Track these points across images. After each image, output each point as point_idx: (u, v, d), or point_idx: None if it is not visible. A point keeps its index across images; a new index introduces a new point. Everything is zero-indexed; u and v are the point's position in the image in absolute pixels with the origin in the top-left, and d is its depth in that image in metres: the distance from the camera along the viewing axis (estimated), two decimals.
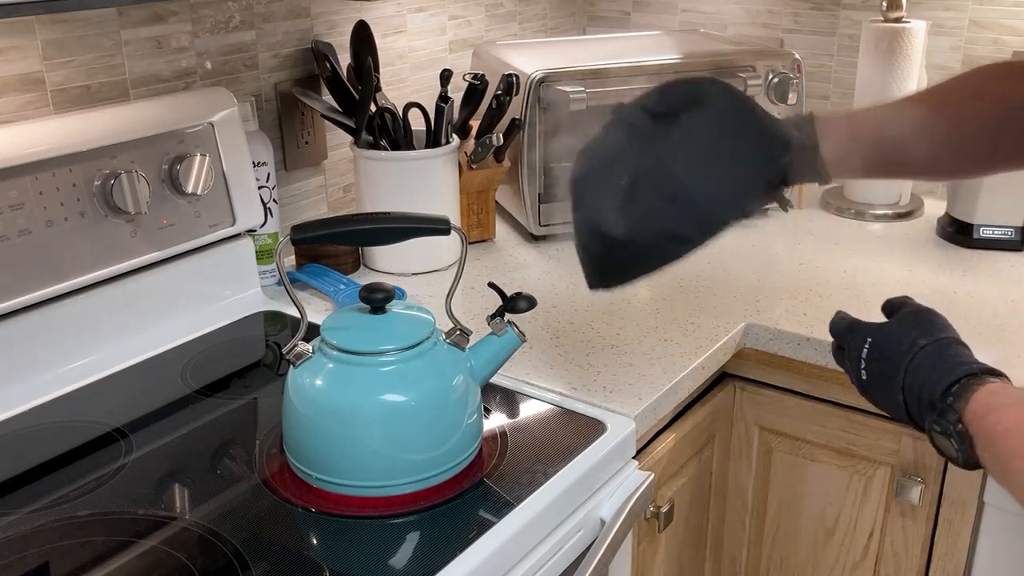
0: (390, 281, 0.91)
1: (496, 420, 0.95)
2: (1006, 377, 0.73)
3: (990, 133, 0.84)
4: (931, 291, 1.25)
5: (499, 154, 1.39)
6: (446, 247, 1.31)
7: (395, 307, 0.86)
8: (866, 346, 0.81)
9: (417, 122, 1.32)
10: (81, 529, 0.80)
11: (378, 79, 1.32)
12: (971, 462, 0.70)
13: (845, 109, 0.83)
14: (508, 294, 0.87)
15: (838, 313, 0.88)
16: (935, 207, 1.52)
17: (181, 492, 0.85)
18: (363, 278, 1.31)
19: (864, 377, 0.82)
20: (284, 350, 0.84)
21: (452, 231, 0.84)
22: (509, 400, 0.99)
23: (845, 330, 0.86)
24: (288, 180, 1.40)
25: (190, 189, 1.10)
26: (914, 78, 1.48)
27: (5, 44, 1.03)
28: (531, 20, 1.80)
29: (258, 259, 1.25)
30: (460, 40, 1.64)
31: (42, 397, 1.00)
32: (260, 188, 1.24)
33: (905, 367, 0.76)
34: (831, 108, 1.70)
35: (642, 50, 1.50)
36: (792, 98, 1.46)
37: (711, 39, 1.65)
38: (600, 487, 0.91)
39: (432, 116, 1.31)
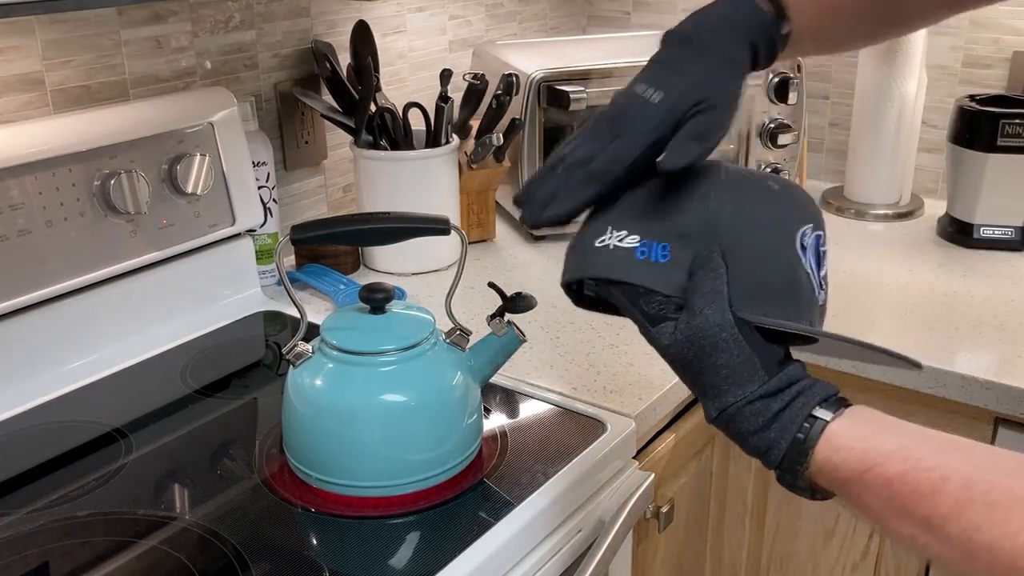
0: (390, 281, 0.91)
1: (496, 420, 0.95)
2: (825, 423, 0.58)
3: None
4: (931, 291, 1.25)
5: (499, 154, 1.39)
6: (446, 247, 1.31)
7: (395, 307, 0.86)
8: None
9: (417, 122, 1.32)
10: (81, 529, 0.80)
11: (378, 79, 1.32)
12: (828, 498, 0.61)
13: None
14: (508, 294, 0.87)
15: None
16: (935, 207, 1.52)
17: (181, 492, 0.85)
18: (363, 278, 1.31)
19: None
20: (284, 350, 0.84)
21: (452, 231, 0.84)
22: (509, 400, 0.99)
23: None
24: (288, 180, 1.40)
25: (190, 189, 1.10)
26: (914, 78, 1.48)
27: (5, 44, 1.03)
28: (531, 20, 1.80)
29: (258, 259, 1.25)
30: (460, 40, 1.64)
31: (42, 397, 1.00)
32: (260, 188, 1.23)
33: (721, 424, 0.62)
34: (831, 108, 1.70)
35: (642, 50, 1.48)
36: (792, 98, 1.46)
37: None
38: (600, 487, 0.91)
39: (432, 116, 1.31)
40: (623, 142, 0.64)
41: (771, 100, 1.47)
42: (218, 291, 1.19)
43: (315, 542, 0.79)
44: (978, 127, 1.35)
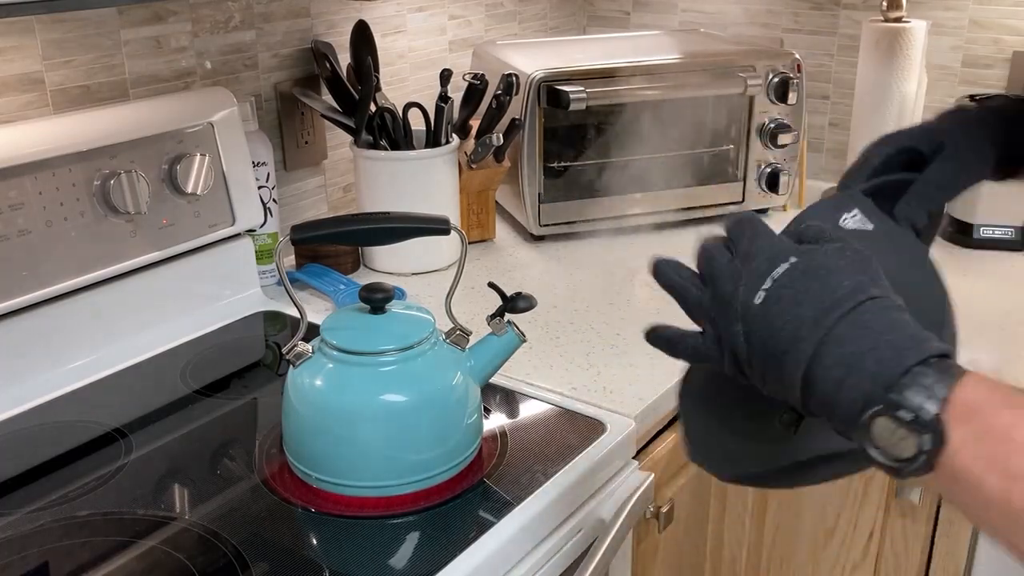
0: (390, 281, 0.91)
1: (496, 420, 0.95)
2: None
3: None
4: None
5: (499, 154, 1.39)
6: (446, 247, 1.31)
7: (395, 307, 0.86)
8: (785, 265, 0.56)
9: (417, 122, 1.32)
10: (81, 529, 0.80)
11: (378, 79, 1.32)
12: (922, 471, 0.49)
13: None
14: (508, 294, 0.87)
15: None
16: None
17: (181, 492, 0.85)
18: (363, 278, 1.31)
19: (759, 301, 0.55)
20: (284, 350, 0.84)
21: (452, 231, 0.84)
22: (509, 400, 0.99)
23: (736, 226, 0.60)
24: (288, 180, 1.40)
25: (190, 189, 1.10)
26: (914, 78, 1.48)
27: (5, 44, 1.03)
28: (531, 20, 1.80)
29: (258, 259, 1.25)
30: (460, 40, 1.64)
31: (42, 397, 1.00)
32: (260, 188, 1.23)
33: (840, 315, 0.52)
34: (831, 108, 1.70)
35: (642, 50, 1.50)
36: (792, 98, 1.46)
37: (711, 39, 1.65)
38: (600, 487, 0.91)
39: (432, 116, 1.31)
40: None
41: (771, 100, 1.47)
42: (218, 291, 1.19)
43: (315, 542, 0.79)
44: None
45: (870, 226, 0.65)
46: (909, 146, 0.70)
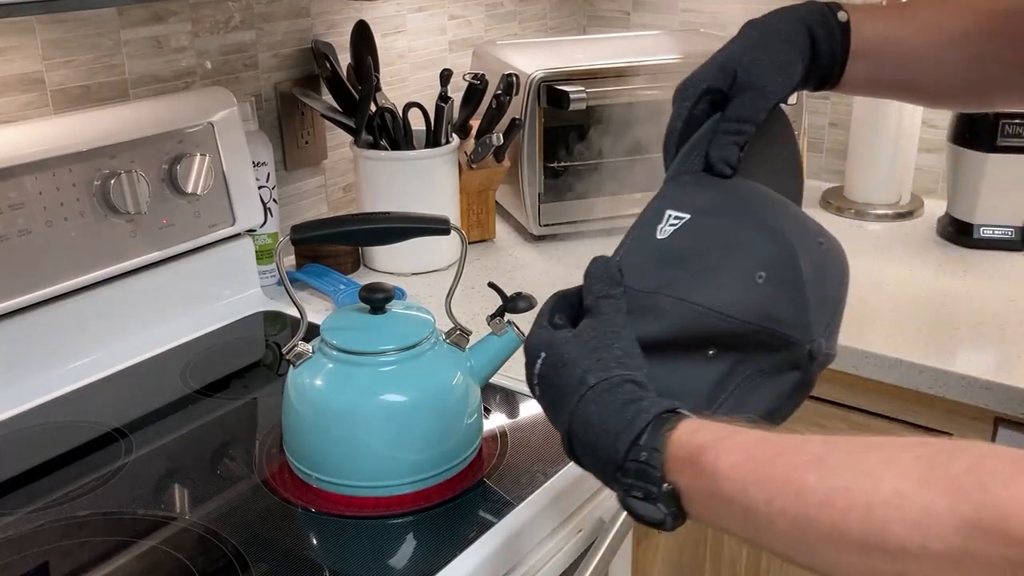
0: (390, 281, 0.91)
1: (496, 420, 0.95)
2: (687, 414, 0.55)
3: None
4: (931, 291, 1.25)
5: (499, 154, 1.39)
6: (446, 247, 1.31)
7: (395, 307, 0.86)
8: (539, 362, 0.61)
9: (417, 122, 1.32)
10: (81, 529, 0.80)
11: (378, 79, 1.32)
12: (681, 521, 0.54)
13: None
14: (508, 294, 0.87)
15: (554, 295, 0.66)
16: (935, 207, 1.52)
17: (181, 492, 0.85)
18: (363, 278, 1.31)
19: (538, 395, 0.63)
20: (284, 350, 0.84)
21: (452, 231, 0.84)
22: (509, 400, 0.99)
23: (535, 322, 0.64)
24: (288, 180, 1.40)
25: (190, 189, 1.10)
26: None
27: (5, 44, 1.03)
28: (531, 20, 1.80)
29: (258, 259, 1.25)
30: (460, 40, 1.64)
31: (42, 397, 1.00)
32: (260, 188, 1.23)
33: (570, 412, 0.58)
34: (831, 108, 1.70)
35: (642, 50, 1.50)
36: (792, 98, 1.46)
37: (711, 39, 1.65)
38: (600, 487, 0.90)
39: (432, 116, 1.31)
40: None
41: None
42: (218, 291, 1.19)
43: (315, 542, 0.79)
44: (978, 127, 1.35)
45: (686, 215, 0.65)
46: (707, 88, 0.69)
